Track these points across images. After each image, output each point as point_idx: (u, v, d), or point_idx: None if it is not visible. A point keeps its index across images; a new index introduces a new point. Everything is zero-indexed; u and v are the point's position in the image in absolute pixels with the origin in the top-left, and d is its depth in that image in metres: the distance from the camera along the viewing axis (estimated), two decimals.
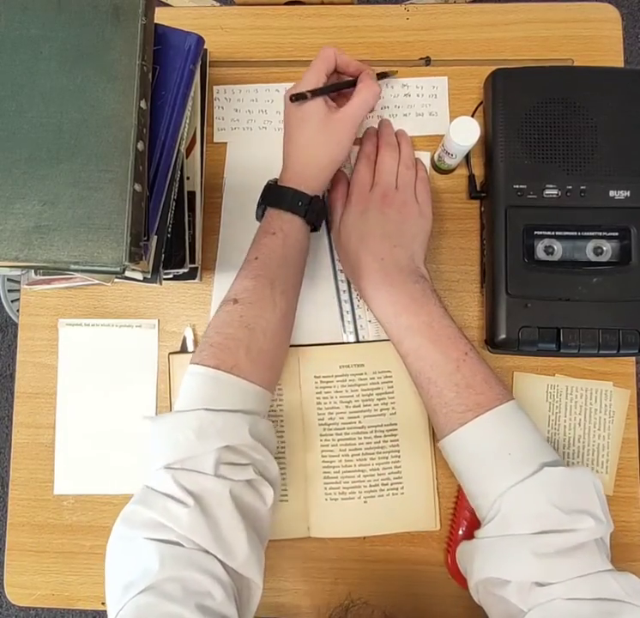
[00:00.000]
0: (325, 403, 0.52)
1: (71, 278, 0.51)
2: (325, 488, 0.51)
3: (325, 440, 0.52)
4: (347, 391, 0.52)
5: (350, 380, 0.52)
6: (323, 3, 0.58)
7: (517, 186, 0.50)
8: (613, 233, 0.50)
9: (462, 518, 0.50)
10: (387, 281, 0.48)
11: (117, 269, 0.39)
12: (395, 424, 0.52)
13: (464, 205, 0.55)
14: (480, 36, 0.56)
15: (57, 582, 0.53)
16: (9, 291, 1.18)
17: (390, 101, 0.56)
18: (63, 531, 0.53)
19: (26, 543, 0.53)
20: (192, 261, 0.51)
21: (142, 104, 0.41)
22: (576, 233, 0.50)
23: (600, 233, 0.50)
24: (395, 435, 0.51)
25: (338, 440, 0.52)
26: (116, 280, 0.46)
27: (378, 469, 0.51)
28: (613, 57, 0.56)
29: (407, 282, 0.48)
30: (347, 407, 0.52)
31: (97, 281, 0.49)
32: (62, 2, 0.42)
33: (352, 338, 0.53)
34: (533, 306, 0.49)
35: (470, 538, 0.44)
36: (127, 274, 0.43)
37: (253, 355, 0.43)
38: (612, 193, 0.50)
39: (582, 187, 0.50)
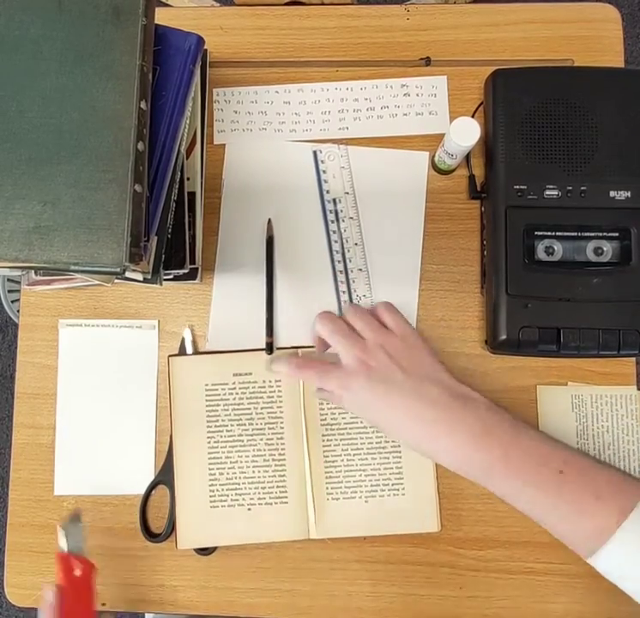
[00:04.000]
0: (328, 403, 0.52)
1: (71, 279, 0.50)
2: (327, 488, 0.51)
3: (328, 440, 0.52)
4: None
5: None
6: (323, 4, 0.58)
7: (517, 187, 0.50)
8: (614, 234, 0.50)
9: None
10: (430, 421, 0.43)
11: (118, 269, 0.39)
12: None
13: (464, 205, 0.55)
14: (480, 36, 0.56)
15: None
16: (9, 291, 1.18)
17: (390, 101, 0.56)
18: None
19: (26, 544, 0.53)
20: (192, 261, 0.51)
21: (142, 104, 0.41)
22: (576, 234, 0.50)
23: (601, 234, 0.50)
24: None
25: (340, 440, 0.52)
26: (116, 280, 0.46)
27: (379, 469, 0.51)
28: (613, 57, 0.55)
29: (454, 410, 0.43)
30: None
31: (97, 282, 0.49)
32: (62, 2, 0.42)
33: None
34: (533, 307, 0.49)
35: None
36: (127, 275, 0.43)
37: None
38: (612, 194, 0.50)
39: (582, 187, 0.50)
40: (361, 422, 0.52)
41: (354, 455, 0.52)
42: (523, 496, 0.41)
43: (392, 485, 0.51)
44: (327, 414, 0.52)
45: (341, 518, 0.51)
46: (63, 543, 0.46)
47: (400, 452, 0.51)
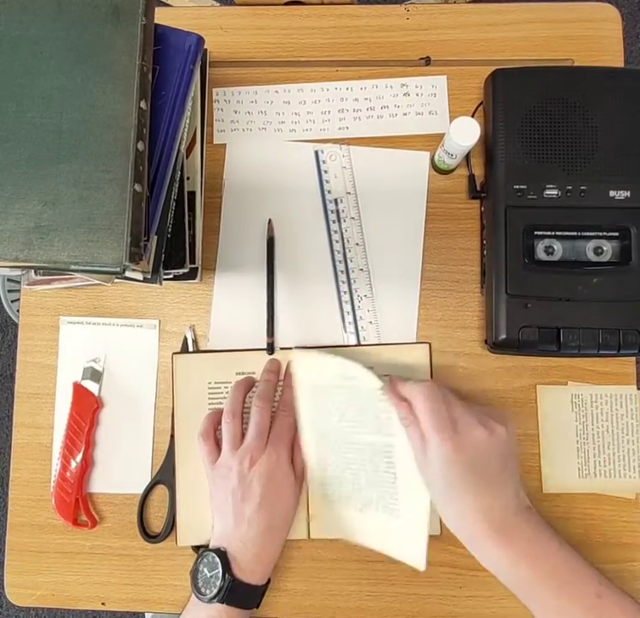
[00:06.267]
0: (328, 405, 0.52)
1: (71, 278, 0.51)
2: (326, 490, 0.51)
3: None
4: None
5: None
6: (323, 3, 0.58)
7: (517, 186, 0.50)
8: (613, 233, 0.50)
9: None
10: (495, 530, 0.42)
11: (118, 269, 0.39)
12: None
13: (464, 205, 0.55)
14: (479, 36, 0.56)
15: (57, 582, 0.53)
16: (9, 291, 1.19)
17: (390, 101, 0.56)
18: (63, 531, 0.53)
19: (26, 543, 0.53)
20: (192, 261, 0.51)
21: (142, 104, 0.41)
22: (576, 234, 0.50)
23: (601, 233, 0.50)
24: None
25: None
26: (116, 280, 0.46)
27: (372, 483, 0.49)
28: (613, 57, 0.56)
29: (518, 524, 0.42)
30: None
31: (97, 282, 0.49)
32: (62, 2, 0.42)
33: (353, 339, 0.53)
34: (533, 306, 0.49)
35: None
36: (127, 274, 0.43)
37: None
38: (612, 193, 0.50)
39: (582, 187, 0.50)
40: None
41: (349, 464, 0.49)
42: (560, 613, 0.41)
43: (385, 504, 0.48)
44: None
45: (339, 521, 0.51)
46: None
47: (394, 470, 0.48)
